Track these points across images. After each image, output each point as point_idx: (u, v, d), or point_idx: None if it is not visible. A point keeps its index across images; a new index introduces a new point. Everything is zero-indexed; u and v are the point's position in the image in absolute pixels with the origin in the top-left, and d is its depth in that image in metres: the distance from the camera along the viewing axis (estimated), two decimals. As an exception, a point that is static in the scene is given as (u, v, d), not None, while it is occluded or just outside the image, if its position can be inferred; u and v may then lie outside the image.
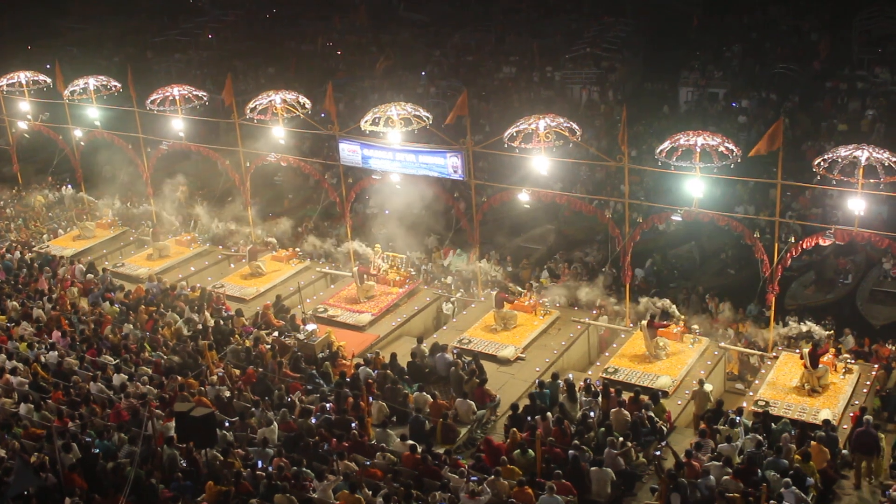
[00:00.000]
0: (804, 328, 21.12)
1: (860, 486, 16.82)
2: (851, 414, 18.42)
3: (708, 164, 20.15)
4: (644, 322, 21.29)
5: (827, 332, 20.95)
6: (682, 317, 22.34)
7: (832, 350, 20.49)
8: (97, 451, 16.88)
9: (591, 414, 18.23)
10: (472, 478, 15.89)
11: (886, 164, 18.45)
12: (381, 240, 28.42)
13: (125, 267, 27.95)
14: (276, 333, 22.40)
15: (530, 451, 16.71)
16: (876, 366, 20.49)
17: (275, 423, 17.88)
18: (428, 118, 23.92)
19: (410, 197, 26.96)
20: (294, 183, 38.01)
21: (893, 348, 21.47)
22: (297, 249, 28.70)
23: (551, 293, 24.39)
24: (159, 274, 26.82)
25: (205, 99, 28.52)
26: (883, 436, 17.25)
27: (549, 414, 18.00)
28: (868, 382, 19.73)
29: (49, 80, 31.45)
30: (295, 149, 29.59)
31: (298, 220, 33.35)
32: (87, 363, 20.81)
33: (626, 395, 18.82)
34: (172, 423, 17.10)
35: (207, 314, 23.32)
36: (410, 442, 17.19)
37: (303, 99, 26.27)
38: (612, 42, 49.22)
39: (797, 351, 20.39)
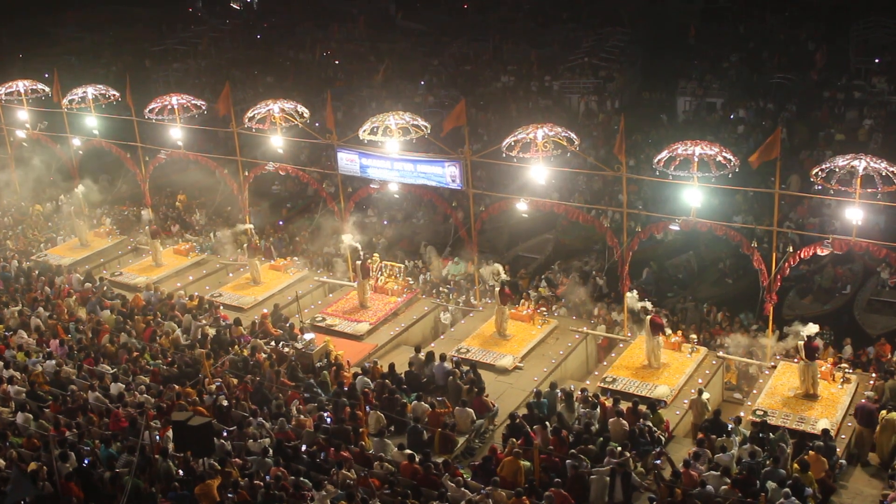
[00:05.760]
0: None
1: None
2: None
3: (706, 174, 20.17)
4: (648, 318, 21.21)
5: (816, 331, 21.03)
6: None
7: (831, 359, 20.49)
8: (88, 460, 16.82)
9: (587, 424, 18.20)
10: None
11: (884, 174, 18.49)
12: (379, 249, 28.42)
13: (123, 276, 27.94)
14: (273, 342, 22.39)
15: (523, 461, 16.66)
16: (874, 374, 20.49)
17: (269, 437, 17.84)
18: (426, 127, 23.95)
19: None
20: (292, 192, 38.06)
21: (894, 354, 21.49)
22: (294, 258, 28.68)
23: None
24: (157, 283, 26.82)
25: (203, 108, 28.55)
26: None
27: (547, 423, 17.98)
28: (866, 392, 19.73)
29: (47, 89, 31.46)
30: (293, 158, 29.56)
31: (296, 228, 33.32)
32: (85, 372, 20.76)
33: (624, 405, 18.80)
34: (170, 433, 17.06)
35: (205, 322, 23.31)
36: (408, 451, 17.16)
37: (301, 108, 26.28)
38: (609, 52, 49.27)
39: (794, 359, 20.36)
